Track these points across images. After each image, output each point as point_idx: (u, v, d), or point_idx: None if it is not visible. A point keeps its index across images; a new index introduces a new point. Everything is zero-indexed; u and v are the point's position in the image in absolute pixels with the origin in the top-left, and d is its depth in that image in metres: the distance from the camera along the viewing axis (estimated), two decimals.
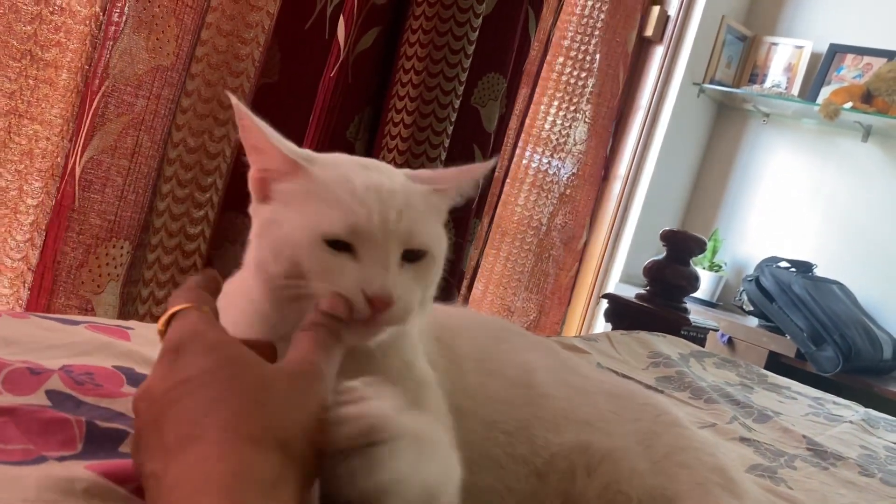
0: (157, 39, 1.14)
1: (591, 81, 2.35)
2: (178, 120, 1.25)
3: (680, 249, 2.12)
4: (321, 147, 1.56)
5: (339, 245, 0.57)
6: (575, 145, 2.39)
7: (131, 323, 0.89)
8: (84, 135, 1.12)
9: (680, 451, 0.74)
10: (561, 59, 2.34)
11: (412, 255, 0.60)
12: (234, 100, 0.61)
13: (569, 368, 0.80)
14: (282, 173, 0.61)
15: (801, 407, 1.69)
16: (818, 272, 3.12)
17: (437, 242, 0.62)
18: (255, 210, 0.62)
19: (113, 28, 1.09)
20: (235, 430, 0.44)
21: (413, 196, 0.61)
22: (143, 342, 0.81)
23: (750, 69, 3.49)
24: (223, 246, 1.41)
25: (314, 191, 0.59)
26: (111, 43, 1.09)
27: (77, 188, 1.12)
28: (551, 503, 0.69)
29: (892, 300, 3.09)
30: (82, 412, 0.59)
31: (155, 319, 1.30)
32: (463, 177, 0.65)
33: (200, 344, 0.49)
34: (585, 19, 2.28)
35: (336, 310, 0.55)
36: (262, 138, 0.60)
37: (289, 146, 0.61)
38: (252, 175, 0.63)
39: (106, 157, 1.11)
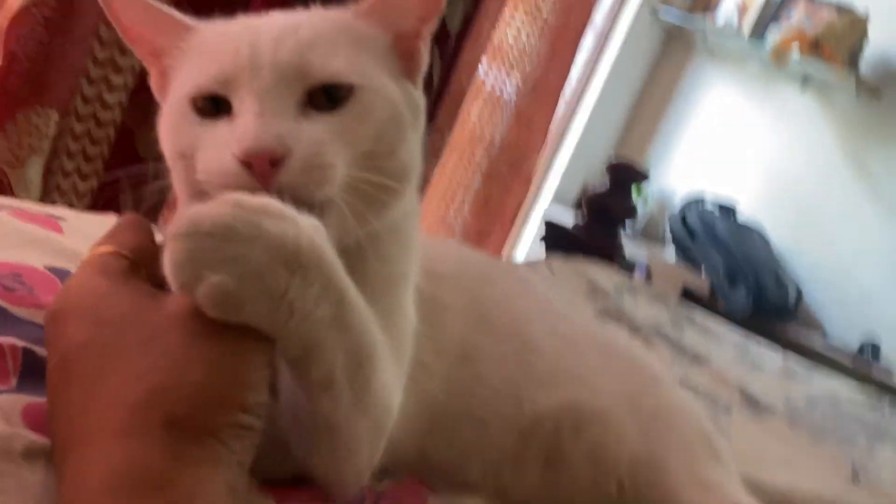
0: None
1: None
2: None
3: (624, 181, 2.09)
4: None
5: (220, 110, 0.46)
6: (538, 61, 2.27)
7: (62, 211, 0.76)
8: None
9: (666, 412, 0.70)
10: None
11: (327, 96, 0.46)
12: None
13: (557, 313, 0.75)
14: (170, 44, 0.50)
15: (727, 350, 1.72)
16: (740, 212, 3.19)
17: (364, 73, 0.48)
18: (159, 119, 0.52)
19: None
20: (109, 424, 0.35)
21: (312, 22, 0.48)
22: (79, 237, 0.69)
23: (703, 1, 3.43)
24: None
25: (193, 52, 0.49)
26: None
27: (1, 45, 0.95)
28: (533, 462, 0.64)
29: (802, 246, 3.19)
30: (15, 331, 0.48)
31: (78, 196, 1.16)
32: None
33: (77, 307, 0.40)
34: None
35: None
36: (141, 7, 0.49)
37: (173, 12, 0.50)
38: (153, 79, 0.53)
39: (33, 9, 0.94)
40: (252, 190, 0.42)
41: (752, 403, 1.31)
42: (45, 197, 1.11)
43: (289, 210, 0.40)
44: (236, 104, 0.45)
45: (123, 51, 1.12)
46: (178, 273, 0.37)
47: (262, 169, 0.42)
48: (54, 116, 1.04)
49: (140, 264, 0.44)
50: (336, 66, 0.46)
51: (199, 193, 0.46)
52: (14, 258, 0.59)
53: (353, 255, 0.49)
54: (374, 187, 0.47)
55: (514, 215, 2.50)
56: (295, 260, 0.38)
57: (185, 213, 0.37)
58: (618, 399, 0.68)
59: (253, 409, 0.38)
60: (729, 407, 1.24)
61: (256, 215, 0.38)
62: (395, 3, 0.51)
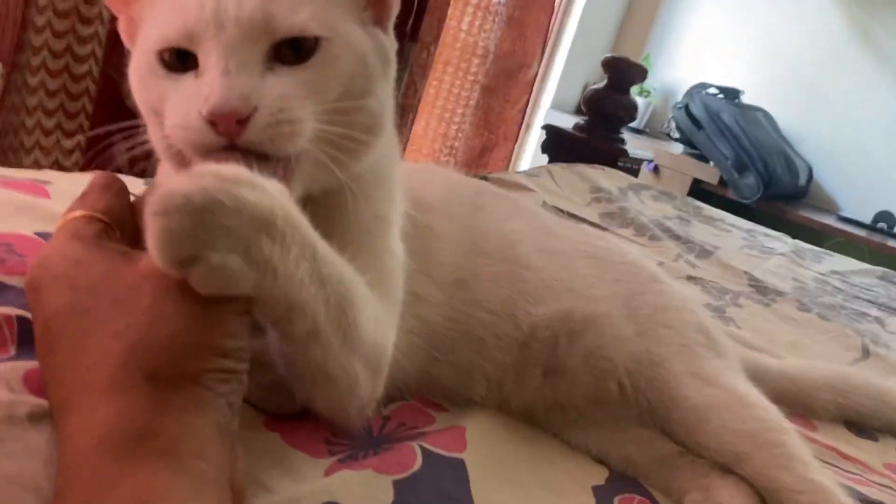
0: None
1: None
2: None
3: (622, 78, 2.05)
4: None
5: (188, 64, 0.45)
6: None
7: (48, 174, 0.77)
8: None
9: (662, 310, 0.71)
10: None
11: (293, 50, 0.45)
12: None
13: (547, 231, 0.75)
14: None
15: (735, 240, 1.72)
16: (745, 98, 3.13)
17: (329, 24, 0.46)
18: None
19: None
20: (94, 384, 0.36)
21: None
22: (66, 199, 0.69)
23: None
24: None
25: (159, 3, 0.47)
26: None
27: None
28: (532, 372, 0.65)
29: (811, 127, 3.14)
30: (9, 300, 0.50)
31: (43, 151, 1.16)
32: None
33: (52, 274, 0.41)
34: None
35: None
36: None
37: None
38: (121, 28, 0.51)
39: None
40: (218, 146, 0.43)
41: (761, 290, 1.32)
42: (18, 153, 1.11)
43: (257, 177, 0.40)
44: (202, 59, 0.44)
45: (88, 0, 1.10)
46: (167, 252, 0.37)
47: (228, 128, 0.42)
48: (1, 70, 1.02)
49: (112, 225, 0.44)
50: (300, 18, 0.45)
51: (168, 146, 0.46)
52: (3, 228, 0.60)
53: (334, 200, 0.49)
54: (345, 138, 0.47)
55: (518, 126, 2.46)
56: (274, 227, 0.39)
57: (161, 188, 0.37)
58: (612, 303, 0.69)
59: (232, 354, 0.39)
60: (737, 295, 1.25)
61: (236, 186, 0.38)
62: None
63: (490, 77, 2.33)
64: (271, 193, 0.39)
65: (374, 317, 0.49)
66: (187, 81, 0.45)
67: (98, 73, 1.15)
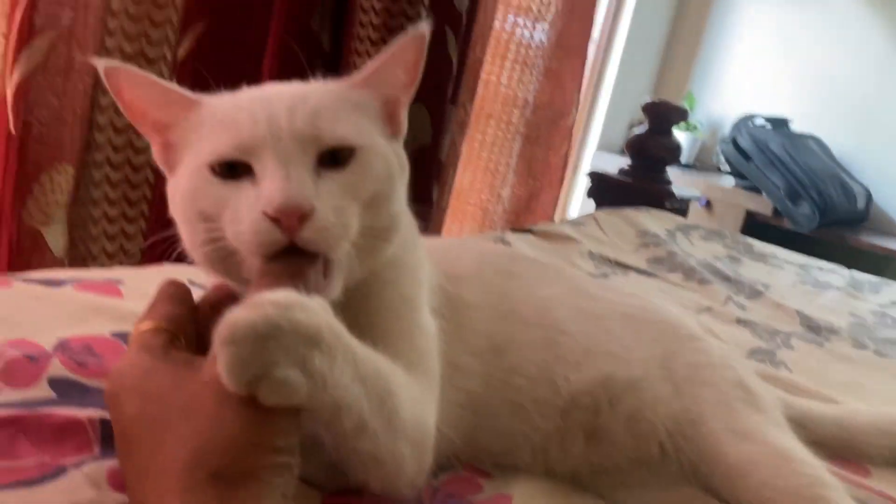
0: None
1: None
2: (108, 24, 1.14)
3: (662, 120, 2.08)
4: (286, 41, 1.46)
5: (238, 173, 0.51)
6: (558, 13, 2.25)
7: (119, 272, 0.84)
8: (11, 54, 1.02)
9: (700, 368, 0.73)
10: None
11: (335, 158, 0.52)
12: (101, 64, 0.54)
13: (582, 293, 0.78)
14: (177, 119, 0.55)
15: (788, 276, 1.71)
16: (794, 126, 3.11)
17: (364, 135, 0.54)
18: (168, 189, 0.57)
19: None
20: (166, 486, 0.42)
21: (316, 93, 0.54)
22: (137, 296, 0.76)
23: None
24: None
25: (204, 123, 0.54)
26: None
27: (11, 115, 1.03)
28: (575, 437, 0.68)
29: (865, 149, 3.09)
30: (91, 402, 0.56)
31: (109, 239, 1.25)
32: (381, 63, 0.56)
33: (125, 386, 0.47)
34: None
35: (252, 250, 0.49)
36: (147, 85, 0.55)
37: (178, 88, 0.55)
38: (156, 151, 0.58)
39: (38, 77, 1.02)
40: (280, 244, 0.48)
41: (814, 328, 1.31)
42: (87, 243, 1.19)
43: (305, 299, 0.45)
44: (258, 168, 0.50)
45: None
46: (238, 375, 0.42)
47: (290, 223, 0.48)
48: (70, 171, 1.12)
49: (177, 334, 0.50)
50: (342, 130, 0.52)
51: (219, 249, 0.52)
52: (83, 331, 0.66)
53: (362, 290, 0.55)
54: (373, 233, 0.53)
55: (561, 173, 2.50)
56: (323, 341, 0.44)
57: (227, 319, 0.42)
58: (650, 364, 0.71)
59: (285, 450, 0.44)
60: (789, 336, 1.25)
61: (290, 311, 0.43)
62: (384, 74, 0.57)
63: (531, 127, 2.39)
64: (317, 311, 0.45)
65: (412, 398, 0.53)
66: (245, 189, 0.50)
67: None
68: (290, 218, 0.47)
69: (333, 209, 0.50)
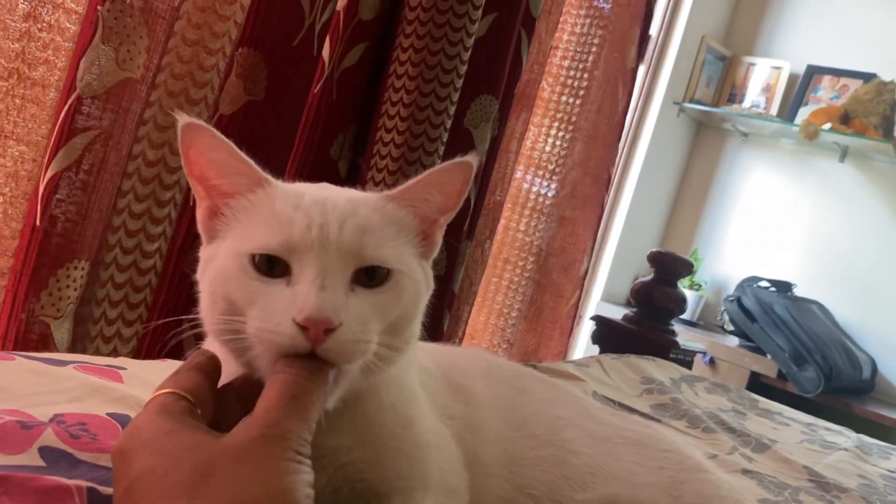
0: (128, 51, 1.08)
1: (587, 100, 2.31)
2: (138, 132, 1.19)
3: (668, 271, 2.10)
4: (304, 165, 1.51)
5: (275, 269, 0.51)
6: (572, 167, 2.35)
7: (122, 361, 0.83)
8: (50, 151, 1.06)
9: (707, 500, 0.71)
10: (557, 81, 2.30)
11: (371, 277, 0.53)
12: (184, 118, 0.55)
13: (591, 417, 0.77)
14: (239, 191, 0.56)
15: (795, 434, 1.67)
16: (797, 292, 3.14)
17: (402, 259, 0.55)
18: (202, 252, 0.58)
19: (85, 39, 1.04)
20: None
21: (367, 208, 0.55)
22: (137, 383, 0.75)
23: (729, 89, 3.51)
24: (180, 271, 1.34)
25: (262, 208, 0.54)
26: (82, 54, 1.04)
27: (39, 207, 1.06)
28: None
29: (869, 319, 3.11)
30: (80, 473, 0.54)
31: (105, 340, 1.24)
32: (423, 182, 0.57)
33: (140, 442, 0.46)
34: (583, 38, 2.25)
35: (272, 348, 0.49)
36: (223, 150, 0.55)
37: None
38: (201, 212, 0.58)
39: (69, 174, 1.05)
40: (301, 352, 0.49)
41: (823, 485, 1.27)
42: (84, 342, 1.19)
43: None
44: (296, 270, 0.51)
45: (159, 202, 1.22)
46: None
47: (317, 334, 0.48)
48: (86, 267, 1.13)
49: (196, 405, 0.49)
50: (385, 252, 0.54)
51: (237, 341, 0.52)
52: (80, 408, 0.65)
53: (356, 403, 0.56)
54: (389, 348, 0.54)
55: (571, 321, 2.51)
56: None
57: None
58: (656, 490, 0.69)
59: None
60: (797, 491, 1.21)
61: None
62: (422, 194, 0.58)
63: (542, 273, 2.43)
64: None
65: None
66: (279, 288, 0.51)
67: (161, 267, 1.26)
68: (317, 329, 0.48)
69: (360, 324, 0.50)
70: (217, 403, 0.52)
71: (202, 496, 0.41)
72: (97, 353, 1.25)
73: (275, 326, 0.49)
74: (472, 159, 0.58)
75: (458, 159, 0.57)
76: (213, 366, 0.54)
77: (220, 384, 0.54)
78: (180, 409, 0.48)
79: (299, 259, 0.51)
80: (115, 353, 1.27)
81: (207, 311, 0.55)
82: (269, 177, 0.57)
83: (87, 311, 1.20)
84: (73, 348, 1.20)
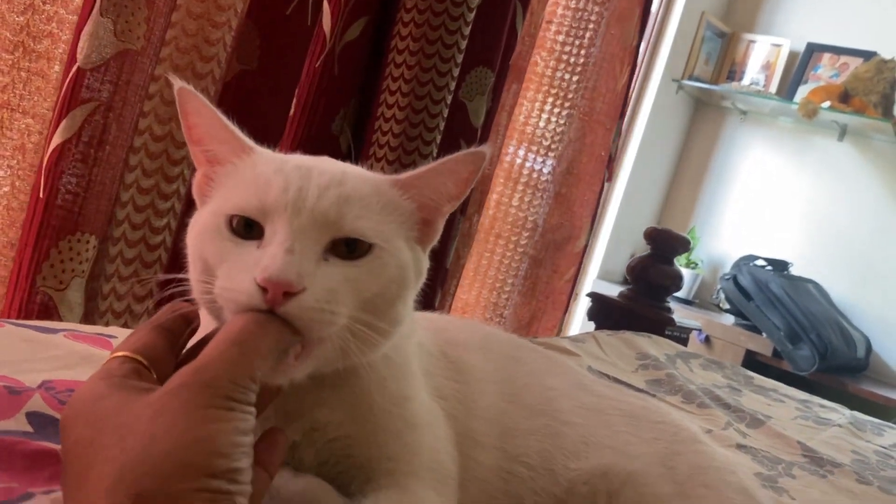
0: (126, 22, 1.07)
1: (584, 77, 2.28)
2: (144, 106, 1.18)
3: (664, 248, 2.10)
4: (304, 141, 1.50)
5: (253, 232, 0.50)
6: (569, 144, 2.33)
7: (113, 329, 0.83)
8: (53, 124, 1.05)
9: (702, 471, 0.70)
10: (552, 55, 2.28)
11: (351, 250, 0.51)
12: (178, 83, 0.54)
13: (585, 388, 0.77)
14: (227, 157, 0.55)
15: (789, 410, 1.68)
16: (794, 270, 3.14)
17: (384, 236, 0.53)
18: (192, 217, 0.57)
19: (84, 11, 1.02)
20: None
21: (356, 180, 0.54)
22: None
23: (728, 66, 3.49)
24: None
25: (245, 173, 0.54)
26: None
27: (42, 178, 1.04)
28: None
29: (865, 298, 3.11)
30: None
31: (115, 315, 1.23)
32: (434, 170, 0.56)
33: (74, 412, 0.44)
34: (578, 13, 2.23)
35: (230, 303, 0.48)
36: (210, 118, 0.55)
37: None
38: (196, 179, 0.58)
39: (69, 146, 1.04)
40: (258, 308, 0.47)
41: (816, 461, 1.27)
42: (94, 317, 1.18)
43: None
44: (268, 233, 0.50)
45: (167, 178, 1.21)
46: None
47: (275, 295, 0.46)
48: (93, 241, 1.12)
49: (147, 365, 0.47)
50: (364, 224, 0.52)
51: (208, 303, 0.51)
52: (69, 375, 0.64)
53: (348, 381, 0.55)
54: (368, 329, 0.51)
55: (567, 296, 2.51)
56: None
57: None
58: (650, 461, 0.69)
59: (223, 475, 0.40)
60: (790, 466, 1.21)
61: None
62: (431, 182, 0.57)
63: (538, 249, 2.42)
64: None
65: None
66: (249, 249, 0.50)
67: (171, 243, 1.24)
68: (276, 291, 0.46)
69: (326, 292, 0.48)
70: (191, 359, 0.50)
71: (114, 459, 0.39)
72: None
73: (237, 285, 0.48)
74: (487, 149, 0.56)
75: (473, 149, 0.56)
76: (179, 322, 0.51)
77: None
78: (123, 372, 0.45)
79: (272, 222, 0.50)
80: (125, 328, 1.27)
81: (191, 274, 0.54)
82: (255, 145, 0.56)
83: (96, 287, 1.20)
84: (85, 323, 1.20)
